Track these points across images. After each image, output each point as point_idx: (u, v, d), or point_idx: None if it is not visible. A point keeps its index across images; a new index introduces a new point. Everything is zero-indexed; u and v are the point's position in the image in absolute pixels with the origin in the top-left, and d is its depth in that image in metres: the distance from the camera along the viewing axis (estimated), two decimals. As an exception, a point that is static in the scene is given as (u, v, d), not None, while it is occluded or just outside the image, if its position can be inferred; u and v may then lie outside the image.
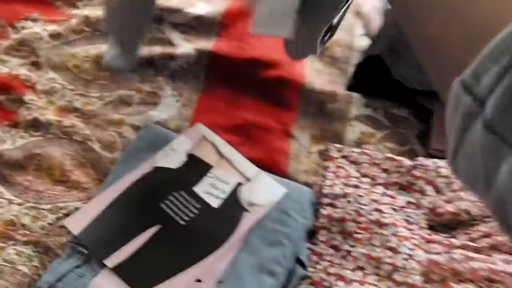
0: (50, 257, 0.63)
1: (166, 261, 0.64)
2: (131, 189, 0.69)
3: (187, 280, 0.63)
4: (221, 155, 0.75)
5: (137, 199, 0.68)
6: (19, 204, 0.66)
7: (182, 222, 0.67)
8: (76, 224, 0.64)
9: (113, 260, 0.62)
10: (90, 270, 0.62)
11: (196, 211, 0.69)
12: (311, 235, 0.72)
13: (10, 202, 0.67)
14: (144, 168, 0.71)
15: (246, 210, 0.70)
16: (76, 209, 0.67)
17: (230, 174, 0.73)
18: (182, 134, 0.76)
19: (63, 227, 0.65)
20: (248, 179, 0.73)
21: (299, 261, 0.69)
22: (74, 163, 0.71)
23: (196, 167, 0.73)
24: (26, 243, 0.63)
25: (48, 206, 0.67)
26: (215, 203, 0.70)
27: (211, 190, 0.71)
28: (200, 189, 0.71)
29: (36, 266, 0.62)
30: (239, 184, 0.73)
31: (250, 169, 0.75)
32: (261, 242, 0.68)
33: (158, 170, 0.72)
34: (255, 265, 0.65)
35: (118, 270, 0.62)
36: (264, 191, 0.73)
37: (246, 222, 0.69)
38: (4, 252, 0.62)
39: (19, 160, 0.70)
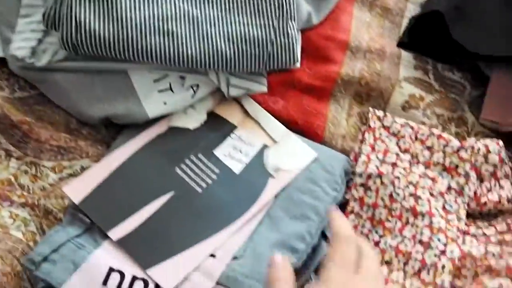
0: (50, 221, 0.56)
1: (178, 233, 0.56)
2: (142, 152, 0.60)
3: (200, 255, 0.55)
4: (246, 114, 0.66)
5: (149, 163, 0.60)
6: (18, 159, 0.59)
7: (198, 189, 0.59)
8: (77, 192, 0.56)
9: (118, 231, 0.55)
10: (91, 240, 0.54)
11: (215, 177, 0.60)
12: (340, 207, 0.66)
13: (8, 153, 0.59)
14: (157, 128, 0.63)
15: (271, 176, 0.62)
16: (83, 169, 0.59)
17: (255, 136, 0.65)
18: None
19: (66, 188, 0.58)
20: (275, 141, 0.65)
21: (325, 237, 0.61)
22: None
23: (217, 127, 0.64)
24: (23, 205, 0.56)
25: (50, 164, 0.59)
26: (237, 168, 0.62)
27: (234, 153, 0.63)
28: (221, 152, 0.63)
29: (32, 232, 0.55)
30: (265, 146, 0.64)
31: (278, 130, 0.66)
32: (285, 215, 0.60)
33: (174, 130, 0.63)
34: (276, 241, 0.58)
35: (124, 242, 0.54)
36: (292, 154, 0.64)
37: (270, 189, 0.61)
38: (-3, 215, 0.55)
39: (18, 110, 0.61)
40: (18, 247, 0.54)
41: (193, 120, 0.63)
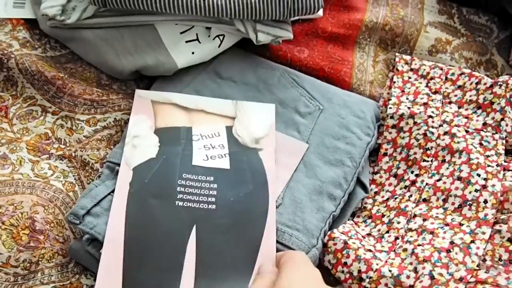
0: (88, 172, 0.57)
1: (234, 256, 0.51)
2: (131, 215, 0.52)
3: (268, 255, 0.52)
4: (187, 109, 0.61)
5: (147, 219, 0.52)
6: (54, 113, 0.60)
7: (212, 206, 0.54)
8: None
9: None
10: None
11: (215, 185, 0.55)
12: (373, 154, 0.65)
13: (44, 109, 0.60)
14: (125, 179, 0.54)
15: (259, 150, 0.58)
16: (116, 121, 0.60)
17: (212, 123, 0.60)
18: (132, 115, 0.59)
19: (100, 139, 0.59)
20: (233, 118, 0.61)
21: (360, 183, 0.61)
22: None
23: (175, 140, 0.58)
24: (60, 157, 0.57)
25: (85, 117, 0.60)
26: (224, 164, 0.57)
27: (210, 153, 0.57)
28: (198, 159, 0.56)
29: (71, 183, 0.56)
30: (229, 128, 0.60)
31: (226, 104, 0.61)
32: (320, 161, 0.60)
33: (140, 170, 0.55)
34: (313, 188, 0.57)
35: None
36: (256, 118, 0.61)
37: (268, 161, 0.57)
38: (36, 166, 0.56)
39: (51, 66, 0.62)
40: (58, 196, 0.55)
41: (149, 148, 0.57)
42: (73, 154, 0.58)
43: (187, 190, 0.54)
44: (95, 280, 0.52)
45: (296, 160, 0.59)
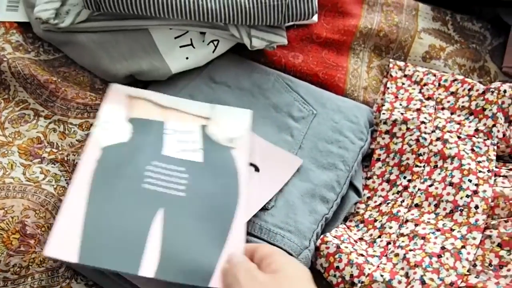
0: (80, 177, 0.57)
1: (203, 242, 0.50)
2: (96, 186, 0.52)
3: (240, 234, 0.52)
4: (163, 107, 0.60)
5: (113, 193, 0.52)
6: (46, 117, 0.60)
7: (181, 194, 0.53)
8: (67, 250, 0.47)
9: (148, 267, 0.48)
10: None
11: (186, 175, 0.55)
12: (366, 159, 0.65)
13: (36, 113, 0.60)
14: (92, 155, 0.54)
15: (232, 148, 0.58)
16: (108, 125, 0.60)
17: (187, 122, 0.60)
18: (104, 101, 0.58)
19: (93, 144, 0.59)
20: (208, 118, 0.61)
21: (353, 187, 0.61)
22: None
23: (147, 130, 0.58)
24: (52, 161, 0.57)
25: (77, 121, 0.59)
26: (198, 157, 0.57)
27: (183, 146, 0.57)
28: (170, 150, 0.56)
29: (63, 187, 0.56)
30: (204, 126, 0.60)
31: (202, 106, 0.61)
32: (313, 164, 0.60)
33: (110, 151, 0.55)
34: (306, 191, 0.58)
35: (161, 273, 0.48)
36: (232, 120, 0.61)
37: (241, 160, 0.57)
38: (28, 171, 0.56)
39: (44, 70, 0.62)
40: (50, 200, 0.55)
41: (121, 132, 0.57)
42: (66, 158, 0.57)
43: (155, 176, 0.54)
44: (85, 285, 0.52)
45: (288, 174, 0.58)
